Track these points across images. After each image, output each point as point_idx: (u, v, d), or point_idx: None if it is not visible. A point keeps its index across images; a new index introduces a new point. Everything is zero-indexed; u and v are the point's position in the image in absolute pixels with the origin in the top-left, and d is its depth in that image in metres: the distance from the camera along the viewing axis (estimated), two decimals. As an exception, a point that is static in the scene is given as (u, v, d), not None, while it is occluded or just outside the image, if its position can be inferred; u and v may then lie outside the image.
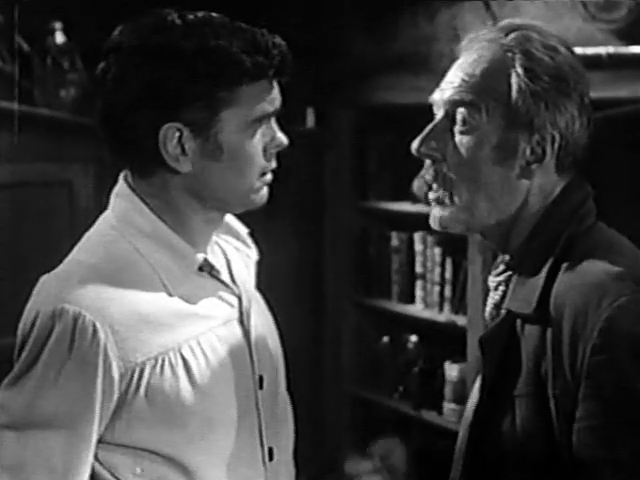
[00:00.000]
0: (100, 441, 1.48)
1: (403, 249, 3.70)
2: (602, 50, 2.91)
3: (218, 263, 1.59)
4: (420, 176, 1.56)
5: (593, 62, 2.90)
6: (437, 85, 1.54)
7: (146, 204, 1.53)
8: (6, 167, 3.33)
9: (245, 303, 1.59)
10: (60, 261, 1.54)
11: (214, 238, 1.63)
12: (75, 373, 1.43)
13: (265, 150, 1.52)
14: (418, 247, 3.62)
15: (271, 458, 1.59)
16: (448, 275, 3.49)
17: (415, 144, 1.52)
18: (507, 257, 1.54)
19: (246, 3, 2.40)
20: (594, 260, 1.43)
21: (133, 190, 1.54)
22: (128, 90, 1.46)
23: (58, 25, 3.43)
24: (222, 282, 1.57)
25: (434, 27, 3.42)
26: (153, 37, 1.46)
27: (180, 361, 1.49)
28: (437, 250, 3.53)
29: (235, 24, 1.48)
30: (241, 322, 1.58)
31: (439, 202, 1.52)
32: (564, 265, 1.45)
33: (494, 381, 1.50)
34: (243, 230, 1.70)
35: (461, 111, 1.48)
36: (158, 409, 1.47)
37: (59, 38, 3.44)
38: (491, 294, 1.57)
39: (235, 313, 1.58)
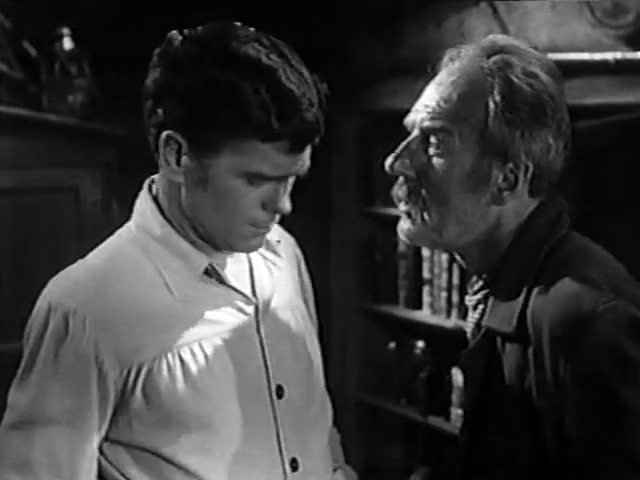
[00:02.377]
0: (107, 439, 1.51)
1: (410, 255, 3.70)
2: (609, 56, 2.91)
3: (235, 270, 1.58)
4: (394, 191, 1.55)
5: (600, 68, 2.91)
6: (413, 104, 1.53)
7: (160, 208, 1.54)
8: (13, 172, 3.33)
9: (261, 312, 1.58)
10: (66, 265, 1.57)
11: None
12: (70, 369, 1.46)
13: (264, 206, 1.49)
14: (425, 253, 3.61)
15: (295, 468, 1.57)
16: (455, 281, 3.49)
17: (389, 161, 1.52)
18: (484, 275, 1.54)
19: (251, 7, 2.40)
20: (568, 271, 1.43)
21: (151, 193, 1.56)
22: (152, 81, 1.47)
23: (66, 31, 3.44)
24: (235, 289, 1.56)
25: (442, 33, 3.42)
26: (189, 47, 1.45)
27: (178, 363, 1.49)
28: (444, 256, 3.52)
29: (280, 69, 1.42)
30: (257, 330, 1.57)
31: (409, 217, 1.52)
32: (539, 279, 1.45)
33: (478, 397, 1.50)
34: (273, 238, 1.66)
35: (435, 135, 1.48)
36: (155, 409, 1.49)
37: (67, 44, 3.44)
38: (470, 314, 1.57)
39: (251, 321, 1.57)
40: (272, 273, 1.65)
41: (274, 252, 1.66)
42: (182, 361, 1.49)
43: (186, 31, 1.48)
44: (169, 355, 1.49)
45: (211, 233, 1.51)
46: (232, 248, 1.54)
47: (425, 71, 1.55)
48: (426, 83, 1.53)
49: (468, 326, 1.57)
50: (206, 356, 1.51)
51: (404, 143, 1.52)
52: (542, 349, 1.40)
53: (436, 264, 3.58)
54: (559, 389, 1.38)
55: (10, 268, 3.30)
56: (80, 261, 1.55)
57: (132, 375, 1.48)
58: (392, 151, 1.54)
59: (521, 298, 1.45)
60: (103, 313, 1.47)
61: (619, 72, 2.88)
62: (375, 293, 3.89)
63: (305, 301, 1.75)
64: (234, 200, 1.47)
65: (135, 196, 1.62)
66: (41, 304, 1.50)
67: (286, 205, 1.50)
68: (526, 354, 1.42)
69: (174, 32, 1.48)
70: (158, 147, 1.49)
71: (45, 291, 1.51)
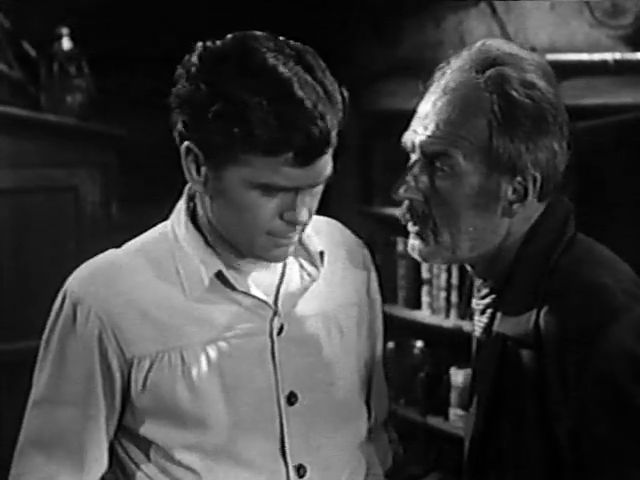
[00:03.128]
0: (119, 425, 1.56)
1: (409, 255, 3.69)
2: (608, 56, 2.91)
3: (261, 275, 1.57)
4: (401, 214, 1.54)
5: (600, 68, 2.91)
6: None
7: (194, 210, 1.56)
8: (12, 172, 3.33)
9: (279, 318, 1.57)
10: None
11: None
12: (77, 355, 1.52)
13: (281, 216, 1.48)
14: (424, 253, 3.61)
15: (302, 475, 1.56)
16: (454, 281, 3.50)
17: (394, 188, 1.50)
18: (490, 281, 1.52)
19: (251, 8, 2.41)
20: (581, 275, 1.42)
21: (189, 194, 1.58)
22: (175, 92, 1.47)
23: (65, 31, 3.44)
24: (250, 295, 1.55)
25: (441, 33, 3.42)
26: (207, 61, 1.45)
27: (179, 362, 1.51)
28: (443, 256, 3.52)
29: (294, 78, 1.41)
30: (271, 336, 1.56)
31: (420, 237, 1.50)
32: (551, 283, 1.44)
33: (491, 401, 1.49)
34: (315, 249, 1.63)
35: (439, 159, 1.45)
36: (154, 404, 1.52)
37: (66, 44, 3.44)
38: (477, 318, 1.55)
39: (265, 326, 1.56)
40: (304, 282, 1.62)
41: (311, 262, 1.63)
42: (183, 361, 1.51)
43: (208, 43, 1.47)
44: (172, 353, 1.51)
45: (235, 243, 1.52)
46: (258, 258, 1.54)
47: (429, 72, 1.52)
48: (419, 99, 1.50)
49: (476, 330, 1.56)
50: (209, 359, 1.52)
51: (407, 167, 1.50)
52: (557, 354, 1.39)
53: (435, 264, 3.58)
54: (574, 394, 1.37)
55: (9, 267, 3.30)
56: (109, 250, 1.58)
57: (134, 368, 1.51)
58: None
59: (535, 304, 1.43)
60: (109, 305, 1.51)
61: (618, 72, 2.88)
62: (374, 293, 3.89)
63: (370, 317, 1.72)
64: (250, 211, 1.47)
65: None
66: (62, 291, 1.55)
67: (302, 216, 1.49)
68: (540, 358, 1.41)
69: (199, 44, 1.48)
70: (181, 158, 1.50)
71: (69, 277, 1.56)
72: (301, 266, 1.63)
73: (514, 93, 1.42)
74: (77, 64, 3.46)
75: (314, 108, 1.41)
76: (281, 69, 1.41)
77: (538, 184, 1.45)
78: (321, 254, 1.63)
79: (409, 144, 1.50)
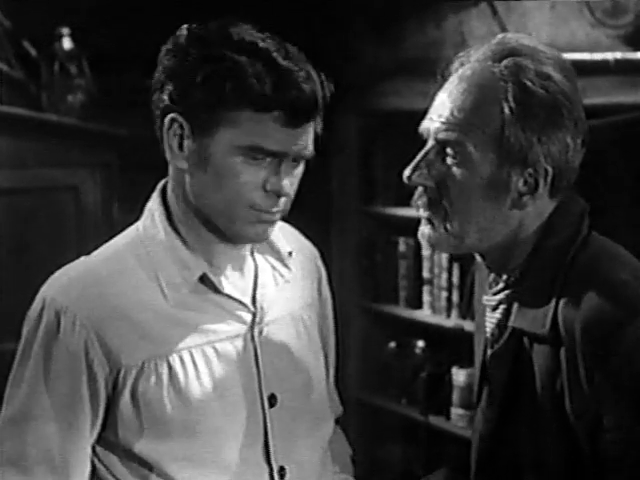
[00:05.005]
0: (99, 440, 1.51)
1: (410, 254, 3.70)
2: (609, 56, 2.92)
3: (237, 277, 1.57)
4: (414, 201, 1.54)
5: (600, 68, 2.91)
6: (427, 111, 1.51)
7: (168, 212, 1.54)
8: (13, 172, 3.33)
9: (259, 320, 1.57)
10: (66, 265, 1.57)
11: (251, 253, 1.62)
12: (61, 366, 1.47)
13: (264, 187, 1.48)
14: (425, 252, 3.62)
15: (282, 476, 1.56)
16: (455, 280, 3.49)
17: (407, 172, 1.50)
18: (505, 276, 1.52)
19: (253, 8, 2.40)
20: (599, 272, 1.42)
21: (162, 196, 1.56)
22: (159, 71, 1.49)
23: (65, 31, 3.44)
24: (231, 297, 1.56)
25: (442, 33, 3.42)
26: (194, 34, 1.48)
27: (166, 370, 1.49)
28: (444, 255, 3.52)
29: (276, 52, 1.44)
30: (252, 338, 1.57)
31: (430, 223, 1.50)
32: (569, 279, 1.43)
33: (505, 398, 1.49)
34: (284, 249, 1.64)
35: (451, 146, 1.46)
36: (141, 414, 1.49)
37: (66, 44, 3.45)
38: (490, 313, 1.55)
39: (246, 329, 1.56)
40: (277, 283, 1.63)
41: (283, 263, 1.64)
42: (170, 368, 1.49)
43: (193, 25, 1.50)
44: (158, 361, 1.49)
45: (216, 221, 1.50)
46: (238, 236, 1.52)
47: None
48: (437, 88, 1.51)
49: (488, 326, 1.55)
50: (195, 365, 1.51)
51: (421, 154, 1.50)
52: (576, 351, 1.38)
53: (436, 264, 3.58)
54: (594, 391, 1.37)
55: (9, 268, 3.30)
56: (81, 258, 1.56)
57: (120, 377, 1.48)
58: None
59: (552, 299, 1.43)
60: (94, 313, 1.47)
61: (619, 72, 2.88)
62: (375, 293, 3.89)
63: (322, 316, 1.73)
64: (233, 179, 1.46)
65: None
66: (37, 300, 1.51)
67: (286, 187, 1.48)
68: (557, 355, 1.41)
69: (182, 27, 1.51)
70: (159, 132, 1.50)
71: (43, 287, 1.52)
72: (273, 267, 1.63)
73: (529, 83, 1.42)
74: (78, 64, 3.46)
75: (300, 71, 1.44)
76: (262, 43, 1.45)
77: (549, 178, 1.45)
78: (290, 254, 1.64)
79: (425, 131, 1.50)
